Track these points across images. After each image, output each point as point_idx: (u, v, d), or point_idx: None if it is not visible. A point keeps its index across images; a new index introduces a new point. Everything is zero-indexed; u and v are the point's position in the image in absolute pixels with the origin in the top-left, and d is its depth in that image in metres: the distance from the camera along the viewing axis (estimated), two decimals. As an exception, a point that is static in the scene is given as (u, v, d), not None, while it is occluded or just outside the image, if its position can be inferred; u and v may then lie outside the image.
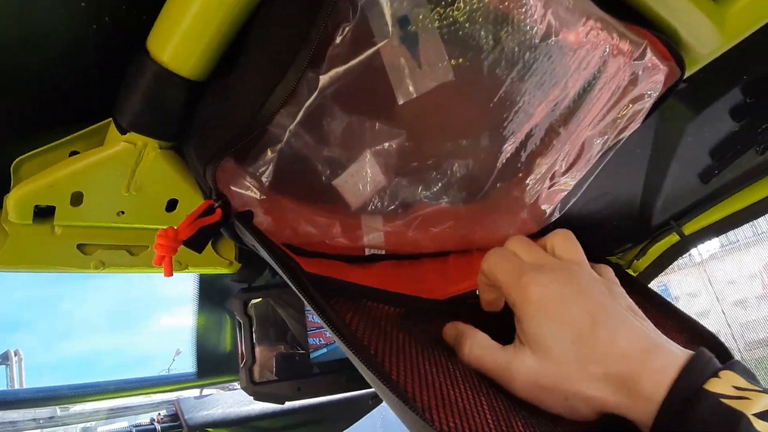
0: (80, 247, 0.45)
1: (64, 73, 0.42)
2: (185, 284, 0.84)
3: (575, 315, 0.32)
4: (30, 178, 0.41)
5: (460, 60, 0.40)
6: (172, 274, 0.37)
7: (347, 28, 0.35)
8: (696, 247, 0.87)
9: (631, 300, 0.36)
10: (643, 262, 0.89)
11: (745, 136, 0.69)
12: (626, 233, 0.85)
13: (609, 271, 0.40)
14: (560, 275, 0.34)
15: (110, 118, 0.43)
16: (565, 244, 0.38)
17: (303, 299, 0.35)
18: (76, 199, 0.42)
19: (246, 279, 0.54)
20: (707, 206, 0.79)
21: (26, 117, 0.44)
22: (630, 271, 0.89)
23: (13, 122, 0.43)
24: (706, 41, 0.47)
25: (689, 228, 0.82)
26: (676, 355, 0.30)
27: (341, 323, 0.34)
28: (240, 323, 0.53)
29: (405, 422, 0.29)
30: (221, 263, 0.52)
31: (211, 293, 0.83)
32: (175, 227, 0.46)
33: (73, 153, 0.43)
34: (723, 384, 0.27)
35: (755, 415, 0.25)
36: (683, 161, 0.72)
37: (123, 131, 0.40)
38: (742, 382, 0.28)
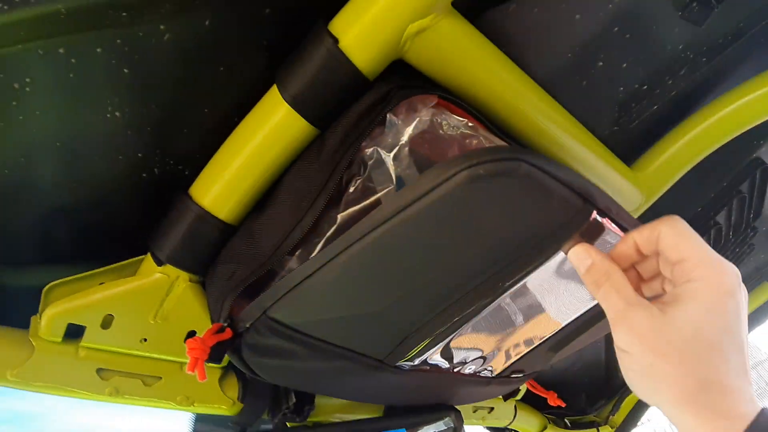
0: (99, 371, 0.47)
1: (108, 212, 0.49)
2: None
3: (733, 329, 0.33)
4: (65, 298, 0.46)
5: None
6: (205, 377, 0.40)
7: (359, 181, 0.42)
8: None
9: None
10: (619, 417, 0.94)
11: None
12: (598, 389, 0.90)
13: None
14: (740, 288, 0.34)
15: (140, 256, 0.49)
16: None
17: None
18: (107, 322, 0.45)
19: (245, 423, 0.55)
20: None
21: (64, 247, 0.50)
22: (608, 428, 0.91)
23: (52, 250, 0.50)
24: (630, 200, 0.59)
25: None
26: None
27: None
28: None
29: None
30: (225, 401, 0.53)
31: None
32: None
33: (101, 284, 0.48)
34: None
35: None
36: None
37: (160, 263, 0.45)
38: None
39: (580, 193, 0.40)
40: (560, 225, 0.40)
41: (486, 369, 0.60)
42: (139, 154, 0.45)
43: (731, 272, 0.34)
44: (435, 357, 0.52)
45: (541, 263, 0.44)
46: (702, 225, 0.70)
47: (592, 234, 0.43)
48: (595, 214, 0.41)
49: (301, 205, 0.44)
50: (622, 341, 0.34)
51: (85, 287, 0.47)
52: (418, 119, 0.42)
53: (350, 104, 0.43)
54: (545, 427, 0.97)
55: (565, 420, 0.88)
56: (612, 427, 0.91)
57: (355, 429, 0.63)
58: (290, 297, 0.41)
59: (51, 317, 0.45)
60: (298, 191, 0.44)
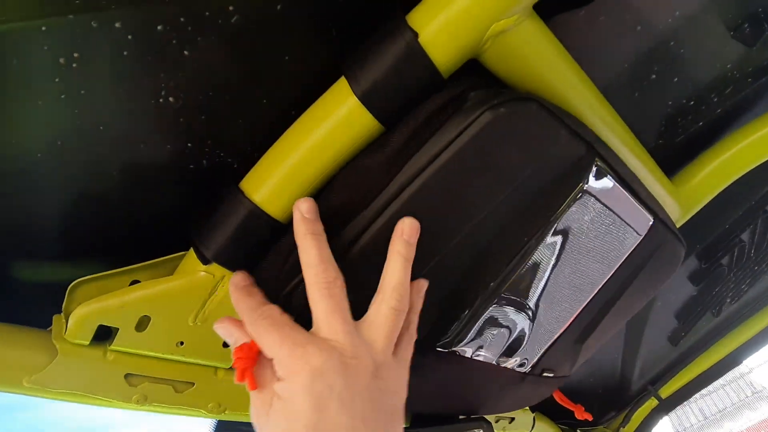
0: (128, 377, 0.44)
1: (146, 204, 0.45)
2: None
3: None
4: (96, 298, 0.42)
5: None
6: (256, 387, 0.36)
7: None
8: (673, 410, 0.94)
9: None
10: (629, 428, 0.95)
11: (703, 299, 0.80)
12: (610, 401, 0.91)
13: None
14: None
15: (177, 254, 0.45)
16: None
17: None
18: (143, 323, 0.42)
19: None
20: (678, 368, 0.88)
21: (93, 241, 0.46)
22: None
23: (80, 244, 0.45)
24: (670, 214, 0.59)
25: (665, 391, 0.90)
26: None
27: None
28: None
29: None
30: (260, 408, 0.50)
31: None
32: (230, 363, 0.46)
33: (134, 282, 0.44)
34: None
35: None
36: (655, 326, 0.83)
37: (206, 261, 0.42)
38: None
39: (585, 140, 0.45)
40: (568, 167, 0.44)
41: (522, 359, 0.58)
42: (189, 144, 0.42)
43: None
44: (475, 342, 0.52)
45: (560, 212, 0.47)
46: (728, 242, 0.70)
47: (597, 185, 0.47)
48: (598, 162, 0.46)
49: (357, 210, 0.41)
50: None
51: (116, 285, 0.43)
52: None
53: (419, 102, 0.41)
54: (560, 438, 0.97)
55: (578, 430, 0.88)
56: (622, 439, 0.92)
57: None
58: None
59: (81, 317, 0.41)
60: (357, 190, 0.42)
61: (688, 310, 0.78)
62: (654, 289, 0.60)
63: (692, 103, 0.59)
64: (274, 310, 0.37)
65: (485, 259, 0.46)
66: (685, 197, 0.61)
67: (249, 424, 0.53)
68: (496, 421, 0.82)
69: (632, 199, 0.51)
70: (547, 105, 0.42)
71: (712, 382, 0.85)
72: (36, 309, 0.44)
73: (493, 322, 0.51)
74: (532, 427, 0.88)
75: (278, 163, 0.41)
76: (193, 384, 0.46)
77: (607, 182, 0.48)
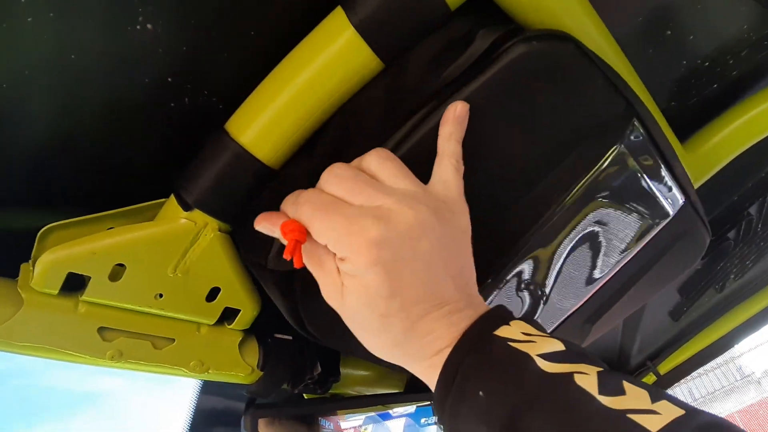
0: (101, 331, 0.40)
1: (124, 145, 0.41)
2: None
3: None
4: (65, 243, 0.39)
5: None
6: (302, 264, 0.34)
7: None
8: (670, 387, 0.94)
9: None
10: None
11: (707, 274, 0.77)
12: None
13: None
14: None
15: (157, 200, 0.42)
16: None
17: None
18: (117, 273, 0.39)
19: (262, 392, 0.49)
20: (678, 344, 0.86)
21: (67, 185, 0.42)
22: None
23: (52, 188, 0.42)
24: None
25: (664, 368, 0.88)
26: (476, 306, 0.34)
27: None
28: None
29: None
30: (243, 368, 0.47)
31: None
32: (218, 314, 0.43)
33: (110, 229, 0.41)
34: (513, 330, 0.31)
35: (539, 355, 0.29)
36: (657, 300, 0.80)
37: (187, 208, 0.39)
38: (530, 329, 0.32)
39: (624, 96, 0.41)
40: (603, 124, 0.41)
41: None
42: (169, 79, 0.38)
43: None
44: None
45: (589, 175, 0.43)
46: (735, 215, 0.68)
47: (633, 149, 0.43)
48: (636, 124, 0.42)
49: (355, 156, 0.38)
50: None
51: (90, 233, 0.40)
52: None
53: (422, 37, 0.37)
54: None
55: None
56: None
57: (378, 402, 0.58)
58: None
59: (48, 264, 0.37)
60: (355, 137, 0.39)
61: (692, 285, 0.76)
62: (673, 278, 0.57)
63: (707, 64, 0.56)
64: (312, 193, 0.34)
65: (501, 221, 0.42)
66: (696, 164, 0.59)
67: (234, 385, 0.51)
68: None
69: (667, 174, 0.47)
70: (586, 49, 0.38)
71: (711, 360, 0.84)
72: (4, 259, 0.41)
73: (502, 293, 0.48)
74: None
75: (267, 103, 0.38)
76: (174, 340, 0.43)
77: (643, 149, 0.44)
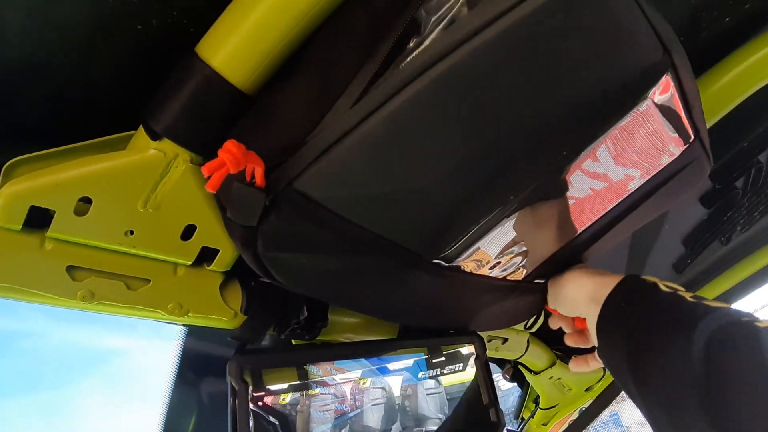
0: (69, 270, 0.38)
1: (89, 73, 0.38)
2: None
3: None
4: (27, 175, 0.36)
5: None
6: (216, 190, 0.33)
7: (414, 41, 0.34)
8: None
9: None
10: None
11: (713, 225, 0.75)
12: None
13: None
14: None
15: (128, 132, 0.39)
16: None
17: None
18: (83, 207, 0.36)
19: (247, 337, 0.47)
20: None
21: (31, 118, 0.40)
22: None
23: (15, 122, 0.39)
24: None
25: None
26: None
27: None
28: (234, 389, 0.45)
29: None
30: (226, 312, 0.45)
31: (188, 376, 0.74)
32: (194, 254, 0.41)
33: (81, 165, 0.38)
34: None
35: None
36: (661, 251, 0.79)
37: (156, 137, 0.36)
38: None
39: (663, 43, 0.38)
40: (638, 75, 0.37)
41: (520, 267, 0.54)
42: (134, -1, 0.35)
43: None
44: (476, 255, 0.46)
45: (613, 123, 0.40)
46: (744, 162, 0.64)
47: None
48: (670, 73, 0.39)
49: (340, 77, 0.35)
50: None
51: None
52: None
53: None
54: (553, 364, 0.95)
55: (573, 357, 0.84)
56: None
57: (371, 348, 0.57)
58: (324, 162, 0.34)
59: (8, 197, 0.35)
60: (336, 59, 0.36)
61: (697, 236, 0.73)
62: (670, 204, 0.55)
63: (720, -7, 0.52)
64: None
65: (513, 168, 0.39)
66: (706, 105, 0.55)
67: (219, 331, 0.49)
68: (489, 341, 0.78)
69: (684, 115, 0.45)
70: None
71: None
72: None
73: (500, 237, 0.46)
74: (526, 350, 0.85)
75: (239, 22, 0.35)
76: (149, 281, 0.41)
77: (670, 95, 0.41)
